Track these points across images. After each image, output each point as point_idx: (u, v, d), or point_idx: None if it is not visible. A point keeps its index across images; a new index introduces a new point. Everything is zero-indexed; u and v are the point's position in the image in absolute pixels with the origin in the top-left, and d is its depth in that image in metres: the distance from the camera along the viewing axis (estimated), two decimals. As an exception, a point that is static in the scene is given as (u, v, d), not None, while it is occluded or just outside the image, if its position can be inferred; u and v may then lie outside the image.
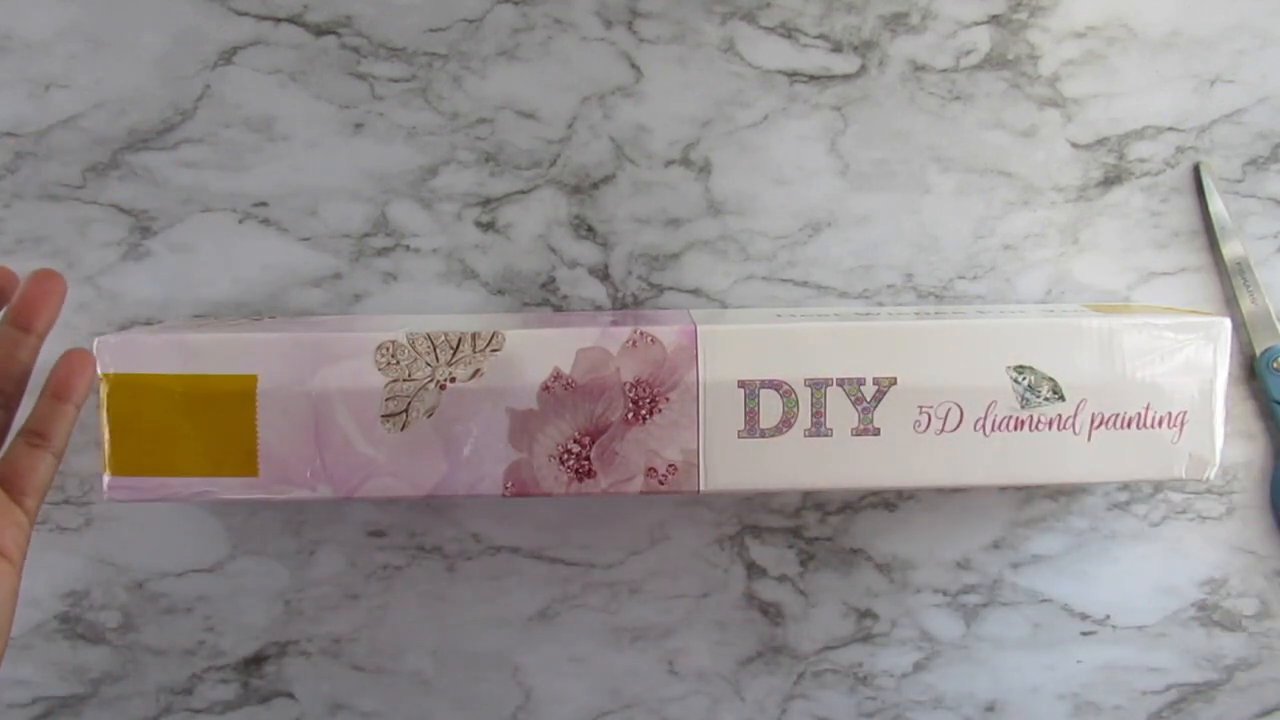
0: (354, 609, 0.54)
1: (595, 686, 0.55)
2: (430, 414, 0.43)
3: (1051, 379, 0.44)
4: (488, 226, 0.53)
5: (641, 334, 0.43)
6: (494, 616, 0.55)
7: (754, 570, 0.55)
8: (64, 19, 0.51)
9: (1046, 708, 0.56)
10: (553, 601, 0.55)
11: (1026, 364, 0.44)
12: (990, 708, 0.56)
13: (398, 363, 0.43)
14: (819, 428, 0.44)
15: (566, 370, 0.43)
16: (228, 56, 0.52)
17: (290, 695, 0.55)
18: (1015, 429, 0.44)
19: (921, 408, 0.44)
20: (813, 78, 0.53)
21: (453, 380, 0.43)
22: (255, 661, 0.54)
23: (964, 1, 0.52)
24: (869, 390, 0.44)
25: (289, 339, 0.43)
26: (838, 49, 0.53)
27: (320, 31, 0.52)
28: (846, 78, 0.53)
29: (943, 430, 0.44)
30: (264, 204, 0.52)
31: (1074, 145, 0.53)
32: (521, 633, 0.55)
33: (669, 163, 0.53)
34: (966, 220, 0.53)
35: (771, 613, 0.55)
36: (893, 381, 0.44)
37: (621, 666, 0.55)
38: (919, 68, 0.53)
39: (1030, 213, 0.53)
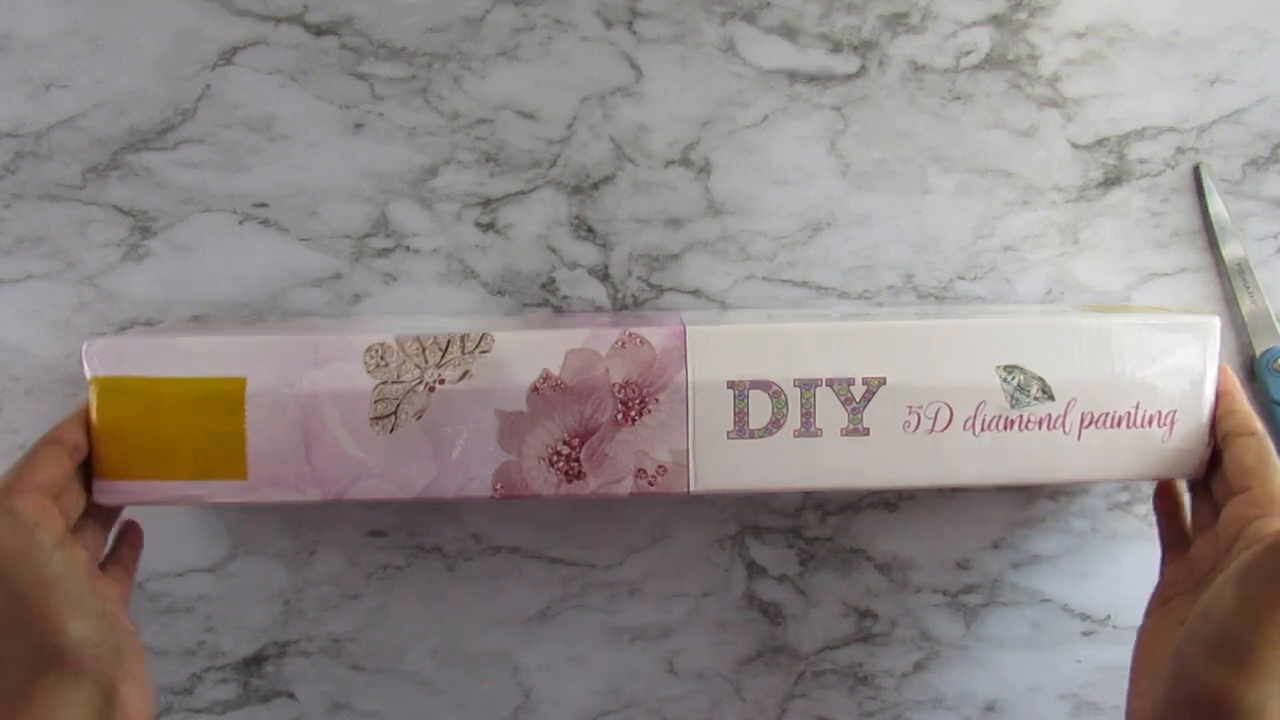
0: (354, 609, 0.54)
1: (595, 686, 0.55)
2: (419, 416, 0.43)
3: (1041, 378, 0.44)
4: (488, 227, 0.53)
5: (630, 335, 0.43)
6: (494, 616, 0.55)
7: (754, 570, 0.55)
8: (64, 19, 0.51)
9: (1046, 708, 0.56)
10: (553, 601, 0.55)
11: (1016, 363, 0.44)
12: (990, 708, 0.56)
13: (386, 365, 0.43)
14: (808, 428, 0.44)
15: (555, 372, 0.43)
16: (228, 56, 0.52)
17: (290, 695, 0.55)
18: (1005, 429, 0.44)
19: (911, 408, 0.44)
20: (813, 78, 0.53)
21: (442, 382, 0.43)
22: (255, 661, 0.54)
23: (964, 1, 0.52)
24: (858, 390, 0.43)
25: (278, 341, 0.43)
26: (838, 49, 0.53)
27: (320, 32, 0.52)
28: (846, 78, 0.53)
29: (932, 430, 0.44)
30: (264, 204, 0.52)
31: (1074, 145, 0.53)
32: (521, 633, 0.55)
33: (669, 163, 0.53)
34: (966, 220, 0.53)
35: (771, 613, 0.55)
36: (882, 381, 0.43)
37: (621, 666, 0.55)
38: (919, 68, 0.53)
39: (1030, 213, 0.53)
